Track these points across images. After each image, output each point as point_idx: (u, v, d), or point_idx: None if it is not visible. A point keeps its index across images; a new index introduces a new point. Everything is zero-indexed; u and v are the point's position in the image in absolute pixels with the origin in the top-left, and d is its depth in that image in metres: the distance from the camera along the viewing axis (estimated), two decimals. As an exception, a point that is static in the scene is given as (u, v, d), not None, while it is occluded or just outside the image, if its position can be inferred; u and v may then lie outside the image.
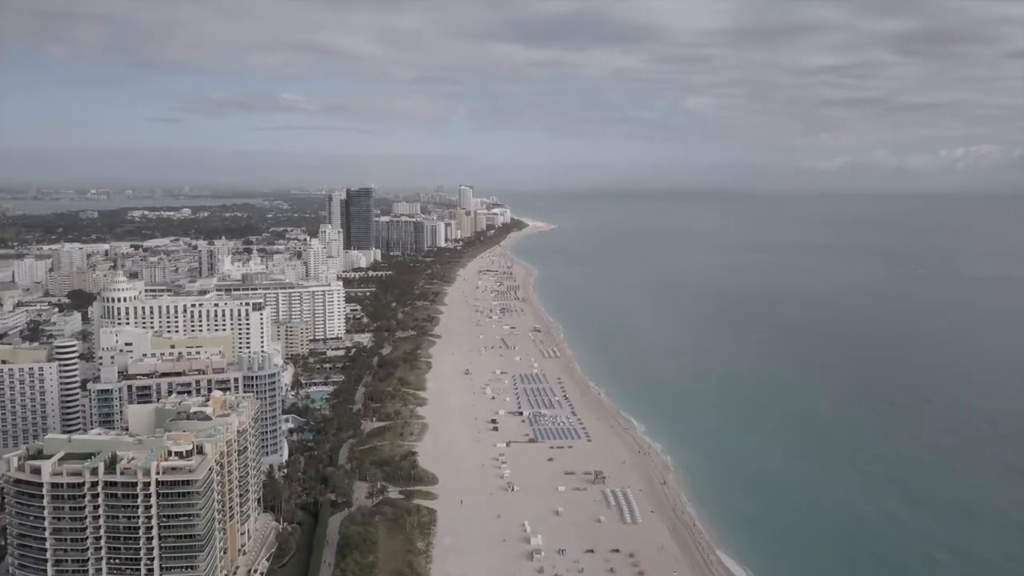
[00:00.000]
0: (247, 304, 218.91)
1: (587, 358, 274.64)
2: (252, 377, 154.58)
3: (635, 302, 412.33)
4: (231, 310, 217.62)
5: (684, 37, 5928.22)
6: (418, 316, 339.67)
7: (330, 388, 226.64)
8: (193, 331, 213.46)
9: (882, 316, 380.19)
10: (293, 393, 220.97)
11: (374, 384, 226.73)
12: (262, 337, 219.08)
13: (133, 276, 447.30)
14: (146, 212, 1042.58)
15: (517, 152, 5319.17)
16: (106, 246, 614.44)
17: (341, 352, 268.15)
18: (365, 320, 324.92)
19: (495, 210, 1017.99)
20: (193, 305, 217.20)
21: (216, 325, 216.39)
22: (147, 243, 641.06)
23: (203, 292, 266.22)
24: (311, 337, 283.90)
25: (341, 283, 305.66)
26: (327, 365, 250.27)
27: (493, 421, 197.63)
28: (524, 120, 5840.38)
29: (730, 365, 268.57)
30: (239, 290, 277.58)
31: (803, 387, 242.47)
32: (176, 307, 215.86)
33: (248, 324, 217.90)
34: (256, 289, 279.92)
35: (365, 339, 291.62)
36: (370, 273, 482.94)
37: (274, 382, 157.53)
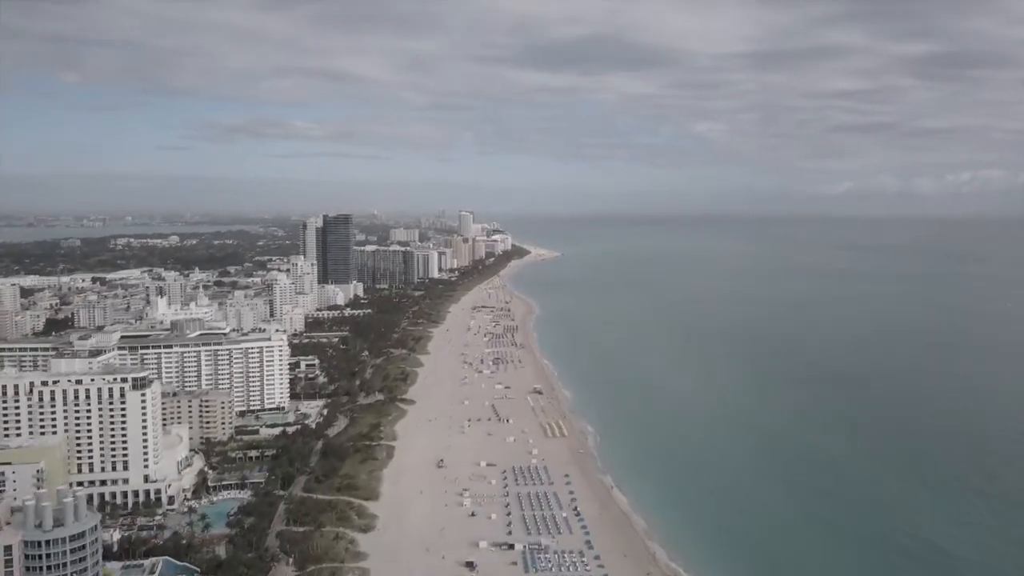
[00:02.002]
0: (122, 381, 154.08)
1: (602, 436, 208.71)
2: (39, 544, 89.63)
3: (656, 347, 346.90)
4: (99, 390, 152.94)
5: (705, 61, 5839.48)
6: (391, 372, 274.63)
7: (247, 494, 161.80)
8: (42, 421, 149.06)
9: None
10: (190, 505, 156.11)
11: (307, 490, 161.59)
12: (144, 429, 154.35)
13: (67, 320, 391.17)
14: (131, 240, 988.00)
15: (522, 177, 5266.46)
16: (67, 279, 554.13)
17: (279, 429, 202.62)
18: (322, 380, 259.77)
19: (495, 237, 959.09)
20: (44, 383, 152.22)
21: (78, 413, 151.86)
22: (113, 275, 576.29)
23: (96, 352, 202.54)
24: (244, 408, 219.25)
25: (284, 336, 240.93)
26: (253, 454, 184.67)
27: (469, 564, 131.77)
28: (530, 146, 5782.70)
29: (817, 450, 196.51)
30: (149, 347, 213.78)
31: (947, 495, 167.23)
32: (17, 387, 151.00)
33: (124, 410, 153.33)
34: (171, 346, 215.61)
35: (316, 408, 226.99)
36: (347, 312, 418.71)
37: (82, 547, 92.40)
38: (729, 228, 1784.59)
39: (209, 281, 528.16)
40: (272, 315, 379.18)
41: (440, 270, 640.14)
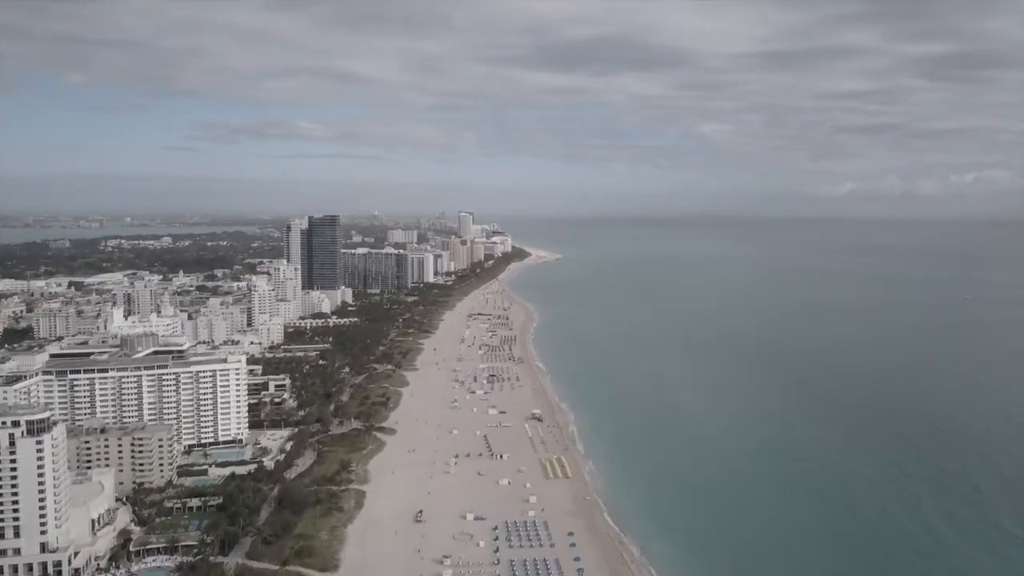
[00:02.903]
0: (12, 425, 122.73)
1: (612, 475, 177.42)
2: None
3: (666, 361, 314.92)
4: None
5: (713, 62, 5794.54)
6: (371, 393, 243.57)
7: (174, 563, 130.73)
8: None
9: None
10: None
11: (251, 556, 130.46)
12: (41, 484, 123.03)
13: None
14: (123, 242, 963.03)
15: (524, 179, 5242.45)
16: (41, 283, 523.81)
17: (229, 470, 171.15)
18: (291, 404, 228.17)
19: (495, 238, 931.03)
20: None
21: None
22: (92, 279, 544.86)
23: (15, 379, 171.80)
24: (194, 442, 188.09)
25: (243, 358, 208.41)
26: (194, 503, 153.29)
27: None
28: (532, 147, 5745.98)
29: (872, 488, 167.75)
30: (80, 371, 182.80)
31: None
32: None
33: (14, 462, 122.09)
34: (107, 370, 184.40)
35: (280, 440, 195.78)
36: (332, 321, 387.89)
37: None
38: (732, 230, 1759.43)
39: (191, 286, 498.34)
40: (250, 325, 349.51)
41: (436, 273, 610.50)
